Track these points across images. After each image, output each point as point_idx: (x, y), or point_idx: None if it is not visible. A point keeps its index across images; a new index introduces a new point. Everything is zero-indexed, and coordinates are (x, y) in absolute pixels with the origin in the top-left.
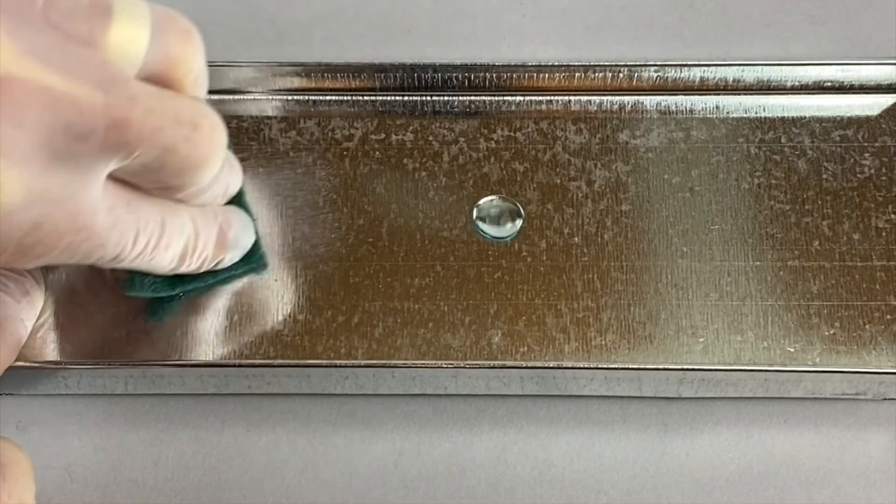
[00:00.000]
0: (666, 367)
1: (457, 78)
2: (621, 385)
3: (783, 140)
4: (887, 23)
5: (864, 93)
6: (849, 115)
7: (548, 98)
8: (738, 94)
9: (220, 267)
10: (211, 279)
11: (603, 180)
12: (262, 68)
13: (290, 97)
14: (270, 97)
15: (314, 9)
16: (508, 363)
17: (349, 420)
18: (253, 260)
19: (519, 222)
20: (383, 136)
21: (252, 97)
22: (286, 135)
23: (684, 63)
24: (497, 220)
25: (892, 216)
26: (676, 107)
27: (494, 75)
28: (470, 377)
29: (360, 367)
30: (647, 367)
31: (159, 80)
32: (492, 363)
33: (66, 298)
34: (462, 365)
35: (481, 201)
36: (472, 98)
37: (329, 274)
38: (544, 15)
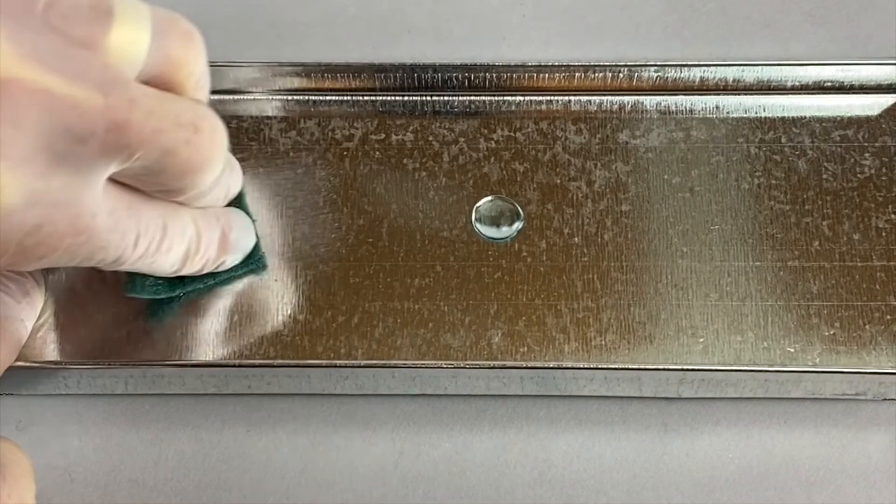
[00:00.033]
0: (666, 367)
1: (457, 78)
2: (621, 385)
3: (783, 140)
4: (887, 23)
5: (865, 93)
6: (849, 115)
7: (548, 98)
8: (738, 94)
9: (221, 269)
10: (211, 280)
11: (603, 180)
12: (262, 68)
13: (290, 97)
14: (270, 97)
15: (314, 9)
16: (508, 363)
17: (349, 420)
18: (253, 261)
19: (519, 223)
20: (383, 136)
21: (252, 97)
22: (286, 135)
23: (684, 63)
24: (497, 221)
25: (893, 216)
26: (676, 107)
27: (494, 75)
28: (470, 377)
29: (360, 367)
30: (647, 367)
31: (161, 82)
32: (492, 363)
33: (66, 299)
34: (462, 365)
35: (481, 201)
36: (472, 98)
37: (329, 274)
38: (544, 15)
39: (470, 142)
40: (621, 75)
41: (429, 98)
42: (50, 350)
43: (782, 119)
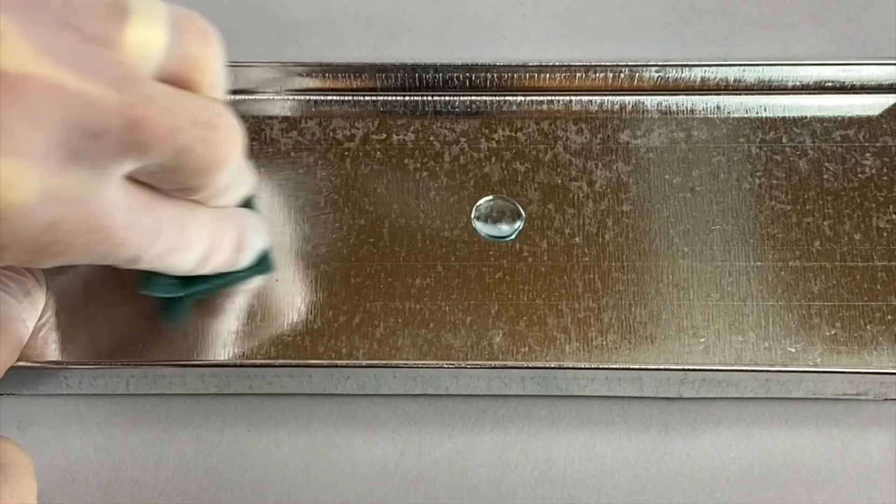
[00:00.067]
0: (667, 367)
1: (458, 78)
2: (622, 385)
3: (784, 140)
4: (887, 23)
5: (865, 93)
6: (850, 115)
7: (549, 98)
8: (739, 94)
9: (233, 269)
10: (220, 280)
11: (604, 180)
12: (263, 68)
13: (290, 97)
14: (271, 97)
15: (314, 9)
16: (509, 363)
17: (350, 420)
18: (261, 261)
19: (520, 222)
20: (384, 136)
21: (253, 97)
22: (287, 135)
23: (685, 63)
24: (498, 221)
25: (894, 216)
26: (677, 107)
27: (495, 75)
28: (471, 377)
29: (361, 367)
30: (649, 367)
31: (177, 80)
32: (493, 363)
33: (67, 298)
34: (463, 365)
35: (482, 201)
36: (473, 98)
37: (330, 274)
38: (545, 15)
39: (471, 142)
40: (622, 75)
41: (430, 98)
42: (51, 350)
43: (783, 119)
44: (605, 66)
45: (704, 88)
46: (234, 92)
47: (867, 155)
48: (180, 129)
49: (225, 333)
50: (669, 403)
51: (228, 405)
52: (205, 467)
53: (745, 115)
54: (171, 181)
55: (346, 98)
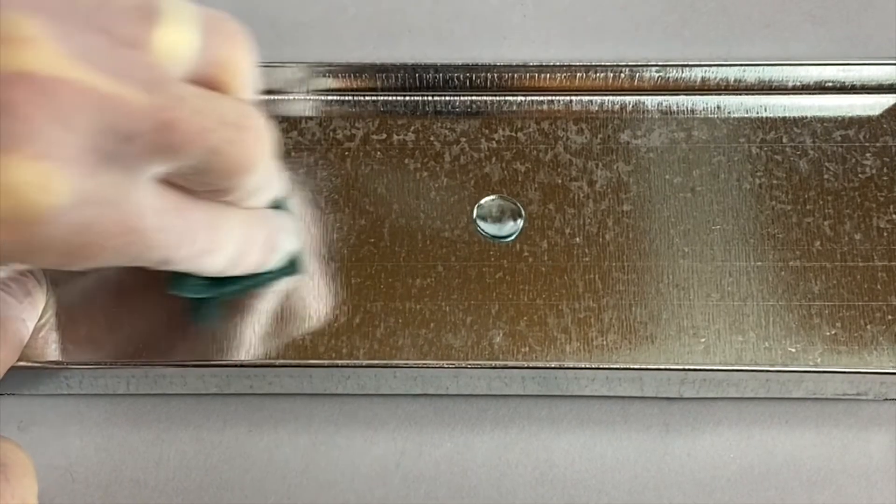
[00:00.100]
0: (667, 367)
1: (458, 78)
2: (623, 385)
3: (784, 140)
4: (887, 23)
5: (866, 93)
6: (850, 115)
7: (549, 98)
8: (740, 94)
9: (264, 270)
10: (250, 281)
11: (604, 180)
12: (263, 69)
13: (290, 97)
14: (271, 97)
15: (314, 9)
16: (510, 363)
17: (351, 420)
18: (291, 263)
19: (520, 222)
20: (385, 136)
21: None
22: (287, 135)
23: (685, 63)
24: (498, 221)
25: (894, 216)
26: (678, 107)
27: (496, 75)
28: (471, 377)
29: (361, 367)
30: (649, 367)
31: (207, 82)
32: (493, 363)
33: (67, 298)
34: (464, 365)
35: (482, 201)
36: (474, 98)
37: (330, 274)
38: (545, 15)
39: (471, 142)
40: (623, 75)
41: (430, 98)
42: (51, 350)
43: (783, 119)
44: (605, 66)
45: (705, 88)
46: None
47: (867, 155)
48: (210, 131)
49: (225, 334)
50: (670, 403)
51: (229, 405)
52: (205, 467)
53: (746, 115)
54: (201, 182)
55: (346, 98)
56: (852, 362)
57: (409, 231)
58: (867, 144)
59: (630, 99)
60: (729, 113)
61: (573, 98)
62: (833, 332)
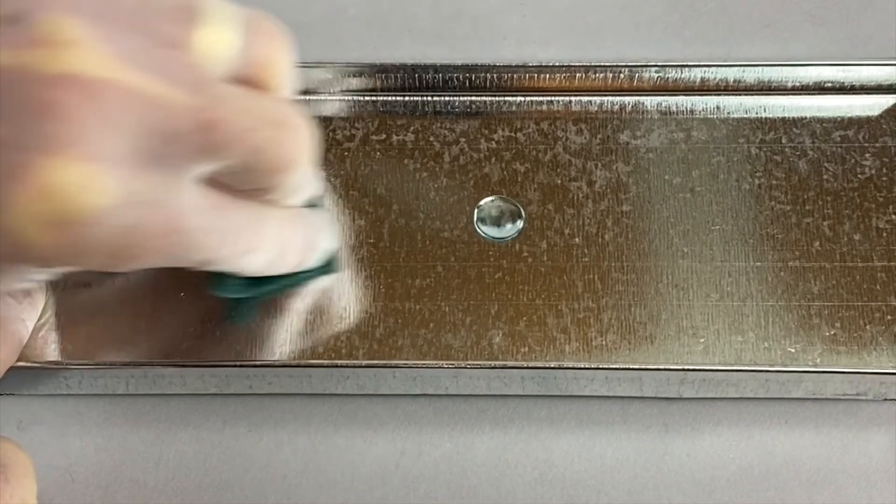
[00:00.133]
0: (667, 367)
1: (457, 78)
2: (622, 385)
3: (784, 140)
4: (887, 23)
5: (865, 93)
6: (849, 115)
7: (548, 98)
8: (739, 95)
9: (301, 269)
10: (287, 281)
11: (604, 181)
12: None
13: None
14: None
15: (314, 9)
16: (509, 363)
17: (350, 420)
18: (328, 262)
19: (520, 223)
20: (384, 136)
21: None
22: None
23: (685, 63)
24: (498, 221)
25: (893, 217)
26: (677, 107)
27: (495, 76)
28: (471, 377)
29: (361, 367)
30: (648, 367)
31: (247, 81)
32: (493, 363)
33: (67, 298)
34: (463, 365)
35: (482, 202)
36: (473, 98)
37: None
38: (545, 15)
39: (471, 142)
40: (622, 76)
41: (429, 98)
42: (51, 350)
43: (783, 119)
44: (605, 66)
45: (704, 89)
46: None
47: (867, 155)
48: (253, 130)
49: (224, 334)
50: (669, 403)
51: (228, 405)
52: (205, 467)
53: (745, 116)
54: (244, 181)
55: (346, 98)
56: (852, 362)
57: (409, 231)
58: (866, 145)
59: (629, 99)
60: (728, 113)
61: (573, 98)
62: (832, 333)
